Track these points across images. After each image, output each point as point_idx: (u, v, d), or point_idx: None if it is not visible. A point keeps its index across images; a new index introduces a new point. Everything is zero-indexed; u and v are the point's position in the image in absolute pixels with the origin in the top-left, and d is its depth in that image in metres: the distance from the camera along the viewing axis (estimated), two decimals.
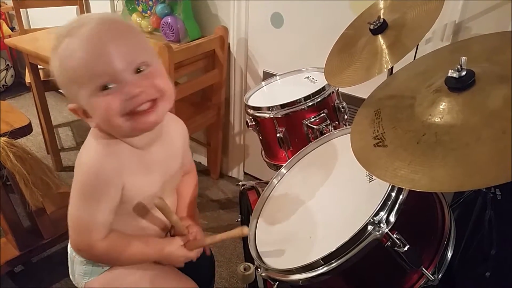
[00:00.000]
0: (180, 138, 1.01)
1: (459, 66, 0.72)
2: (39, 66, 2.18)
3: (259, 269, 0.91)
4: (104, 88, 0.75)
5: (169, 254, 0.96)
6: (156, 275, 0.99)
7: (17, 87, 3.41)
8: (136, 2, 2.17)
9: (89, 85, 0.76)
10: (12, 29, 3.26)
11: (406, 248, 0.76)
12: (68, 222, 0.88)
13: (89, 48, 0.74)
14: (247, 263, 0.92)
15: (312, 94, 1.29)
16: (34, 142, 2.68)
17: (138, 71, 0.78)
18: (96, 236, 0.87)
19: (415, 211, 0.87)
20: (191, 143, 2.54)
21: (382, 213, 0.78)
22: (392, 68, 1.15)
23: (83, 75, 0.75)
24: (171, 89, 0.84)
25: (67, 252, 1.04)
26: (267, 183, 1.16)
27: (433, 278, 0.81)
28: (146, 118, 0.80)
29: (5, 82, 3.37)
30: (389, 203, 0.78)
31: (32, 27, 3.01)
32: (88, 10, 2.58)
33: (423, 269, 0.81)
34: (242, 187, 1.34)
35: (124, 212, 0.90)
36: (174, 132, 0.99)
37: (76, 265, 1.00)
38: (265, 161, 1.47)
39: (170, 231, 1.04)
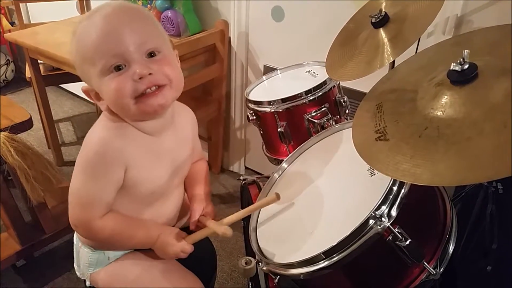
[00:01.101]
0: (189, 126, 1.03)
1: (461, 59, 0.71)
2: (39, 61, 2.18)
3: (260, 263, 0.91)
4: (116, 68, 0.79)
5: (164, 243, 0.94)
6: (161, 269, 0.99)
7: (17, 82, 3.41)
8: None
9: (101, 64, 0.79)
10: (12, 23, 3.25)
11: (407, 242, 0.76)
12: (68, 197, 0.88)
13: (104, 28, 0.78)
14: (248, 257, 0.92)
15: (313, 88, 1.29)
16: (35, 137, 2.68)
17: (149, 55, 0.82)
18: (95, 212, 0.88)
19: (417, 205, 0.87)
20: None
21: (383, 207, 0.77)
22: (393, 61, 1.15)
23: (95, 54, 0.79)
24: (180, 79, 0.88)
25: (69, 247, 1.04)
26: (268, 177, 1.16)
27: (434, 272, 0.81)
28: (153, 100, 0.82)
29: (6, 77, 3.36)
30: (391, 197, 0.78)
31: (32, 22, 3.00)
32: (88, 5, 2.57)
33: (425, 263, 0.80)
34: (243, 182, 1.34)
35: (131, 198, 0.91)
36: (184, 120, 1.01)
37: (82, 255, 1.00)
38: (266, 155, 1.47)
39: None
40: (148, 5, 2.12)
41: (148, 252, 1.00)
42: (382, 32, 1.08)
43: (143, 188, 0.91)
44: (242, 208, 1.40)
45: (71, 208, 0.89)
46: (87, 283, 1.02)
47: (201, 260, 1.16)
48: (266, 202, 1.02)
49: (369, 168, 0.94)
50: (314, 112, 1.30)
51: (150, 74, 0.80)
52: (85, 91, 0.86)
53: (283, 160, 1.17)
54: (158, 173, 0.92)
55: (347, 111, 1.37)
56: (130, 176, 0.87)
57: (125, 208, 0.92)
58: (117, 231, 0.91)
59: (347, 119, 1.36)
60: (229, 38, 2.04)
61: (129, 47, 0.78)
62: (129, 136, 0.87)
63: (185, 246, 0.94)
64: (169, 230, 0.96)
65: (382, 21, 1.08)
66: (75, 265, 1.04)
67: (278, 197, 1.02)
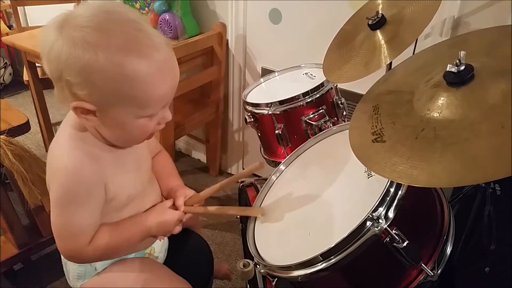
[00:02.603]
0: None
1: (457, 61, 0.72)
2: (37, 64, 2.17)
3: (258, 266, 0.91)
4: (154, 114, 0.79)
5: (159, 224, 0.93)
6: (149, 278, 0.99)
7: (15, 85, 3.40)
8: None
9: (150, 111, 0.77)
10: (10, 27, 3.25)
11: (405, 244, 0.76)
12: (53, 231, 0.86)
13: (167, 79, 0.77)
14: (246, 259, 0.92)
15: (311, 90, 1.29)
16: (32, 140, 2.67)
17: None
18: (84, 241, 0.86)
19: (414, 207, 0.87)
20: (190, 140, 2.54)
21: (380, 209, 0.77)
22: (391, 63, 1.15)
23: (152, 102, 0.76)
24: None
25: None
26: (266, 179, 1.16)
27: (432, 274, 0.81)
28: (151, 136, 0.86)
29: (3, 80, 3.36)
30: (388, 198, 0.78)
31: (30, 25, 3.00)
32: None
33: (422, 264, 0.80)
34: (241, 184, 1.34)
35: (112, 207, 0.90)
36: None
37: (70, 268, 1.01)
38: (264, 157, 1.47)
39: None
40: (146, 8, 2.12)
41: (136, 259, 1.01)
42: (379, 34, 1.08)
43: (122, 196, 0.90)
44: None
45: (59, 241, 0.87)
46: None
47: (198, 263, 1.16)
48: (249, 212, 1.04)
49: (366, 170, 0.93)
50: (312, 114, 1.30)
51: None
52: (78, 108, 0.75)
53: (281, 162, 1.17)
54: (130, 175, 0.91)
55: (344, 113, 1.37)
56: (108, 190, 0.86)
57: (107, 218, 0.91)
58: (112, 245, 0.90)
59: (344, 121, 1.36)
60: (227, 40, 2.04)
61: (172, 97, 0.81)
62: (98, 151, 0.84)
63: (177, 215, 0.95)
64: (156, 211, 0.96)
65: (379, 23, 1.08)
66: (66, 278, 1.04)
67: (262, 213, 1.04)
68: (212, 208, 1.05)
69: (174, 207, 0.97)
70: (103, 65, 0.70)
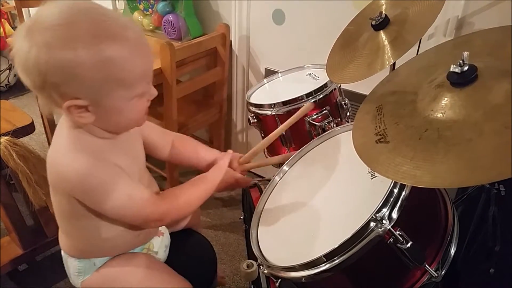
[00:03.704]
0: None
1: (461, 61, 0.71)
2: None
3: (261, 266, 0.91)
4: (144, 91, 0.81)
5: (227, 179, 1.05)
6: (149, 273, 1.00)
7: (20, 87, 3.40)
8: (138, 1, 2.17)
9: (140, 90, 0.80)
10: (15, 28, 3.26)
11: (409, 245, 0.76)
12: (126, 222, 0.91)
13: (146, 55, 0.80)
14: (250, 260, 0.92)
15: (314, 91, 1.29)
16: (37, 141, 2.69)
17: None
18: (146, 198, 0.88)
19: (418, 208, 0.87)
20: None
21: (384, 210, 0.77)
22: (394, 64, 1.15)
23: (139, 80, 0.79)
24: None
25: None
26: (269, 180, 1.15)
27: (436, 275, 0.81)
28: (146, 114, 0.87)
29: (8, 81, 3.37)
30: (392, 199, 0.78)
31: None
32: None
33: (426, 265, 0.80)
34: None
35: None
36: None
37: (70, 265, 1.01)
38: (267, 158, 1.47)
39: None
40: (150, 9, 2.13)
41: (134, 254, 1.02)
42: (382, 34, 1.08)
43: None
44: (244, 211, 1.41)
45: (141, 220, 0.91)
46: None
47: (201, 263, 1.16)
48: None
49: (369, 171, 0.93)
50: (315, 115, 1.30)
51: None
52: (72, 106, 0.75)
53: (284, 163, 1.17)
54: (128, 162, 0.91)
55: (348, 113, 1.37)
56: None
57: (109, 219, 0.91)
58: (185, 199, 0.95)
59: (348, 122, 1.35)
60: (230, 41, 2.04)
61: (152, 71, 0.84)
62: (97, 145, 0.84)
63: (238, 174, 1.08)
64: (218, 168, 1.04)
65: (382, 24, 1.08)
66: (68, 276, 1.05)
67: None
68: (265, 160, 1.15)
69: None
70: (83, 57, 0.70)
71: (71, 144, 0.82)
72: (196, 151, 1.12)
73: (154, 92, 0.85)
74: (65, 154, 0.82)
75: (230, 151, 1.10)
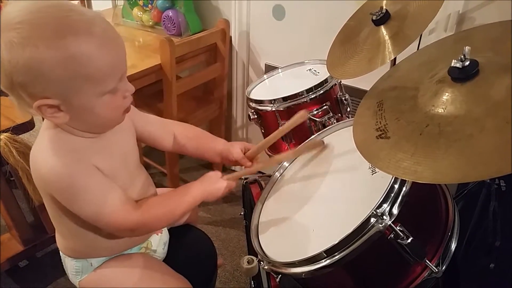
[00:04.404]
0: None
1: (462, 56, 0.71)
2: None
3: (262, 262, 0.91)
4: (115, 87, 0.78)
5: (209, 192, 0.94)
6: (146, 273, 1.00)
7: None
8: None
9: (110, 86, 0.77)
10: None
11: (409, 240, 0.76)
12: (97, 226, 0.86)
13: (115, 49, 0.76)
14: (250, 256, 0.92)
15: (315, 86, 1.29)
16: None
17: None
18: (116, 206, 0.84)
19: (419, 203, 0.87)
20: None
21: (385, 205, 0.77)
22: (395, 59, 1.14)
23: (107, 76, 0.76)
24: None
25: None
26: (269, 176, 1.15)
27: (436, 270, 0.81)
28: (127, 112, 0.86)
29: None
30: (392, 195, 0.78)
31: None
32: (89, 6, 2.57)
33: (427, 261, 0.80)
34: (245, 181, 1.34)
35: None
36: None
37: (68, 265, 1.02)
38: (268, 154, 1.47)
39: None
40: (149, 5, 2.12)
41: (132, 255, 1.01)
42: (383, 29, 1.07)
43: None
44: (244, 207, 1.41)
45: (109, 227, 0.86)
46: None
47: (200, 259, 1.16)
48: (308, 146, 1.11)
49: (370, 166, 0.93)
50: (316, 110, 1.30)
51: None
52: (43, 106, 0.74)
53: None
54: (116, 165, 0.90)
55: (348, 109, 1.36)
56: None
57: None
58: (156, 213, 0.90)
59: (348, 117, 1.35)
60: (230, 37, 2.04)
61: (125, 66, 0.80)
62: (79, 146, 0.83)
63: (225, 184, 0.95)
64: (204, 180, 0.96)
65: (383, 19, 1.08)
66: (67, 274, 1.05)
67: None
68: (260, 164, 1.07)
69: (223, 176, 0.97)
70: (46, 54, 0.69)
71: (49, 144, 0.81)
72: (201, 142, 1.11)
73: (130, 88, 0.82)
74: (42, 152, 0.81)
75: (236, 145, 1.09)
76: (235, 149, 1.08)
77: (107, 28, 0.76)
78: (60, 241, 1.01)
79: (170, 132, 1.09)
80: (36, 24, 0.69)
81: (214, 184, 0.95)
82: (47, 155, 0.80)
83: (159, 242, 1.09)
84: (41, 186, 0.86)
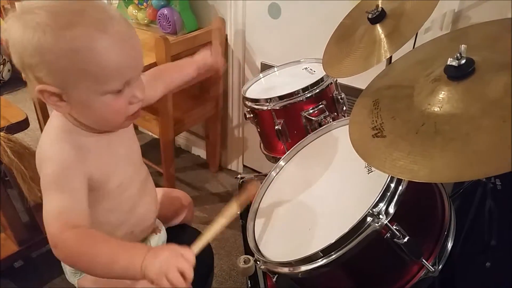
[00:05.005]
0: None
1: (458, 54, 0.71)
2: None
3: (258, 262, 0.91)
4: (119, 90, 0.78)
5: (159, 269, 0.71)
6: None
7: (14, 82, 3.39)
8: None
9: (112, 85, 0.76)
10: None
11: (405, 240, 0.75)
12: (44, 223, 0.76)
13: (125, 51, 0.76)
14: (246, 256, 0.92)
15: (310, 85, 1.28)
16: (32, 137, 2.66)
17: None
18: (59, 224, 0.75)
19: (415, 202, 0.86)
20: (190, 136, 2.53)
21: (381, 205, 0.77)
22: (391, 57, 1.14)
23: (111, 76, 0.75)
24: None
25: None
26: (266, 175, 1.15)
27: (433, 270, 0.80)
28: (136, 117, 0.85)
29: (2, 77, 3.35)
30: (388, 194, 0.78)
31: None
32: None
33: (423, 260, 0.80)
34: (241, 180, 1.34)
35: (105, 199, 0.90)
36: None
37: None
38: (264, 153, 1.46)
39: None
40: (144, 3, 2.11)
41: None
42: (379, 28, 1.07)
43: (111, 184, 0.89)
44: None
45: (49, 229, 0.75)
46: None
47: (197, 260, 1.16)
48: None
49: (366, 165, 0.93)
50: (311, 109, 1.29)
51: None
52: (43, 91, 0.75)
53: (281, 158, 1.17)
54: (120, 163, 0.91)
55: (344, 108, 1.36)
56: (96, 180, 0.84)
57: (100, 208, 0.90)
58: (93, 243, 0.75)
59: (344, 116, 1.35)
60: (226, 35, 2.03)
61: (136, 72, 0.80)
62: (84, 140, 0.84)
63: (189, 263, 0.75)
64: (163, 253, 0.74)
65: (379, 17, 1.07)
66: (65, 273, 1.04)
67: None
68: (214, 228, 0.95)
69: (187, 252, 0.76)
70: (52, 43, 0.71)
71: (53, 130, 0.83)
72: (173, 67, 1.17)
73: (139, 95, 0.81)
74: (50, 136, 0.83)
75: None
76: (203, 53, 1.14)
77: (124, 31, 0.76)
78: None
79: (152, 85, 1.07)
80: (51, 12, 0.71)
81: (175, 259, 0.73)
82: (51, 142, 0.82)
83: (158, 241, 1.09)
84: (39, 170, 0.84)
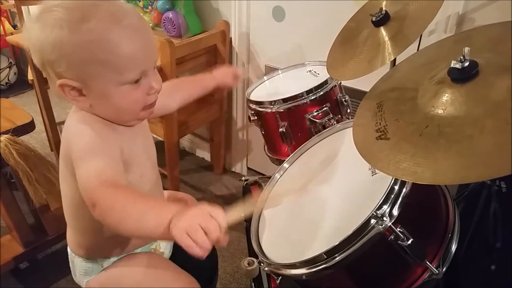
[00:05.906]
0: None
1: (462, 57, 0.71)
2: None
3: (262, 264, 0.91)
4: (136, 81, 0.80)
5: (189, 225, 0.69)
6: (156, 272, 1.00)
7: (20, 85, 3.42)
8: None
9: (130, 76, 0.79)
10: (14, 26, 3.26)
11: (409, 242, 0.76)
12: (82, 194, 0.75)
13: (139, 41, 0.78)
14: (250, 258, 0.92)
15: (315, 88, 1.29)
16: (37, 140, 2.69)
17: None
18: (110, 176, 0.75)
19: (419, 204, 0.86)
20: (194, 138, 2.54)
21: (385, 207, 0.77)
22: (395, 60, 1.14)
23: (129, 65, 0.78)
24: None
25: None
26: (270, 178, 1.15)
27: (437, 272, 0.80)
28: (151, 110, 0.87)
29: (8, 80, 3.37)
30: (392, 196, 0.78)
31: None
32: None
33: (427, 262, 0.80)
34: (245, 182, 1.34)
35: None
36: None
37: (77, 265, 1.01)
38: (268, 156, 1.47)
39: None
40: (149, 6, 2.12)
41: (142, 254, 1.02)
42: (383, 30, 1.07)
43: (133, 172, 0.89)
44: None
45: (88, 188, 0.74)
46: None
47: (202, 262, 1.16)
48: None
49: (370, 168, 0.93)
50: (316, 111, 1.30)
51: None
52: (64, 85, 0.77)
53: (285, 160, 1.17)
54: (140, 154, 0.93)
55: (348, 110, 1.36)
56: (125, 157, 0.85)
57: None
58: (120, 207, 0.71)
59: (348, 119, 1.35)
60: (230, 38, 2.04)
61: (151, 63, 0.82)
62: (111, 128, 0.86)
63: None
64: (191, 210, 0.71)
65: (382, 20, 1.08)
66: (72, 274, 1.05)
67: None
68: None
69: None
70: (69, 36, 0.73)
71: (81, 117, 0.84)
72: (191, 80, 1.21)
73: (156, 86, 0.84)
74: (77, 122, 0.84)
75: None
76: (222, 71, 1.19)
77: (138, 23, 0.79)
78: (72, 240, 1.00)
79: (170, 95, 1.12)
80: (67, 8, 0.75)
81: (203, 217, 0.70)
82: (79, 124, 0.83)
83: (167, 243, 1.09)
84: (65, 155, 0.83)
